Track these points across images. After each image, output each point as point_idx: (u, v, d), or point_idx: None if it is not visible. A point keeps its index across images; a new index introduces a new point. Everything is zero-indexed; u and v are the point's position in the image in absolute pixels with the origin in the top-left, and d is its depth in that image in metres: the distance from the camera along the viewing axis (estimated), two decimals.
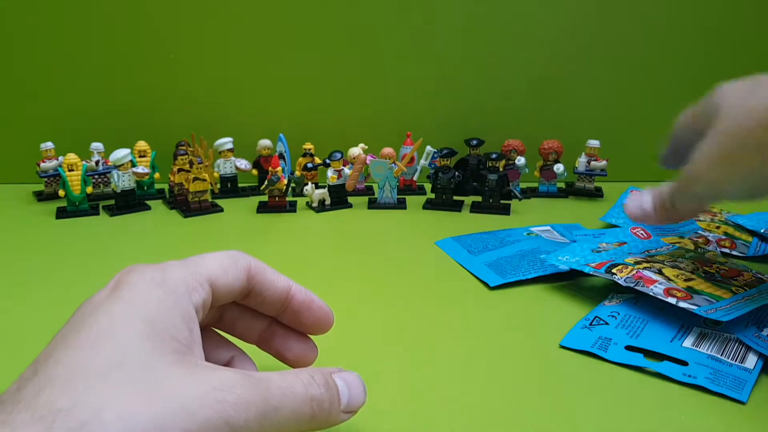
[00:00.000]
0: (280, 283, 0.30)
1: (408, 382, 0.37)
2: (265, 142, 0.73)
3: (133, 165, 0.69)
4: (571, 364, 0.39)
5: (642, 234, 0.53)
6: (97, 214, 0.67)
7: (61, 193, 0.66)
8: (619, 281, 0.44)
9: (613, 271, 0.45)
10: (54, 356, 0.22)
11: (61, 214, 0.66)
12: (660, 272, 0.45)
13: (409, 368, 0.38)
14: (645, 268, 0.45)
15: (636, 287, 0.43)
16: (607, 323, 0.42)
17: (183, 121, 0.75)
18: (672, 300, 0.41)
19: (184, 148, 0.68)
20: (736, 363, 0.37)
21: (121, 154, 0.66)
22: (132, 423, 0.20)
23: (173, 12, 0.72)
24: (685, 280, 0.44)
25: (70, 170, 0.65)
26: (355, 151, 0.71)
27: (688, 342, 0.39)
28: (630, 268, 0.45)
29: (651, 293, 0.42)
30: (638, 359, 0.38)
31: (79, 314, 0.24)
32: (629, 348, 0.39)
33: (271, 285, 0.30)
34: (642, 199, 0.44)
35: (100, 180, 0.71)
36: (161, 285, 0.25)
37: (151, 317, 0.24)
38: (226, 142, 0.72)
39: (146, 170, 0.68)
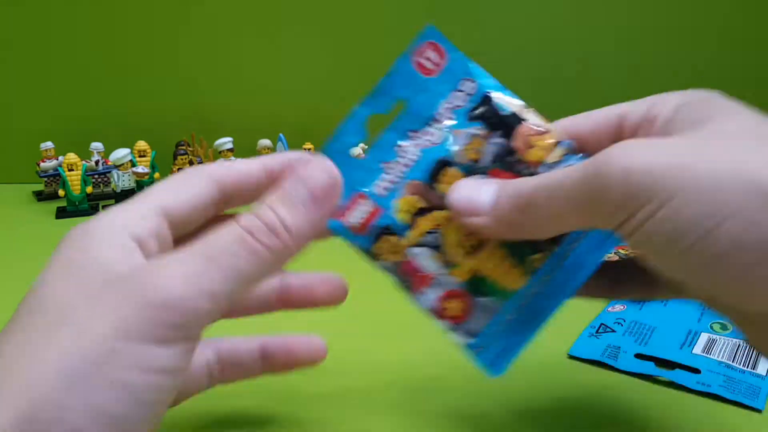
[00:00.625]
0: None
1: (411, 383, 0.37)
2: (265, 142, 0.73)
3: (133, 165, 0.69)
4: (578, 371, 0.38)
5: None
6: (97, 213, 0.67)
7: (61, 192, 0.66)
8: (387, 271, 0.29)
9: (377, 251, 0.29)
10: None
11: (61, 213, 0.66)
12: (437, 248, 0.29)
13: (411, 369, 0.38)
14: (424, 234, 0.29)
15: (406, 292, 0.29)
16: (613, 330, 0.41)
17: (183, 121, 0.75)
18: (444, 325, 0.29)
19: (184, 148, 0.68)
20: (748, 369, 0.36)
21: (121, 153, 0.66)
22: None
23: (173, 12, 0.72)
24: (470, 252, 0.29)
25: (70, 170, 0.65)
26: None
27: (698, 348, 0.38)
28: (399, 248, 0.29)
29: (421, 308, 0.29)
30: (649, 368, 0.37)
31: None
32: (639, 356, 0.38)
33: (251, 199, 0.27)
34: (480, 188, 0.27)
35: (100, 180, 0.71)
36: (85, 236, 0.24)
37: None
38: (226, 142, 0.72)
39: (146, 170, 0.68)
